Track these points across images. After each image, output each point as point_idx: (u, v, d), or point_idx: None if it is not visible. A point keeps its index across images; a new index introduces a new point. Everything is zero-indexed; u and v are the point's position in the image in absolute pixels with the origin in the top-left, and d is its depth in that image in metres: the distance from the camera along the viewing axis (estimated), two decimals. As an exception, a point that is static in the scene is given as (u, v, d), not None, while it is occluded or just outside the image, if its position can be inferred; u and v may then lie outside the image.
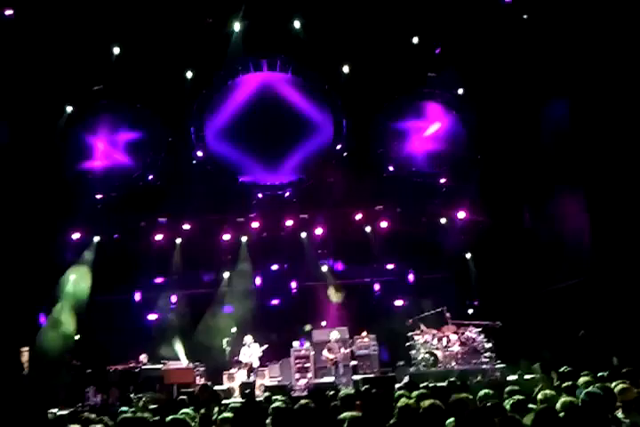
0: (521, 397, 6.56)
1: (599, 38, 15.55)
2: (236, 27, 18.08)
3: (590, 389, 5.95)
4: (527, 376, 13.33)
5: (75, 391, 15.08)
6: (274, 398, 8.81)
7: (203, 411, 6.94)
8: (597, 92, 15.87)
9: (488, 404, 5.81)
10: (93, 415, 7.89)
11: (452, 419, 5.53)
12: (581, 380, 8.21)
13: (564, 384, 7.73)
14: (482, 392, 7.31)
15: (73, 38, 16.63)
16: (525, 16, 17.23)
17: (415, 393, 7.45)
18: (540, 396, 6.75)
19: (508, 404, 6.39)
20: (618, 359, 13.65)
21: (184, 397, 11.37)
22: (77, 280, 18.00)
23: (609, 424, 5.54)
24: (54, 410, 12.96)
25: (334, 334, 16.47)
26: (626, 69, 15.30)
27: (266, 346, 16.53)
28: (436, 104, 20.03)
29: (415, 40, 18.55)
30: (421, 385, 10.38)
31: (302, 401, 6.29)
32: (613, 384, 6.92)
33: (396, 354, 17.23)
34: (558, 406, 5.79)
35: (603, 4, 15.36)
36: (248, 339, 16.49)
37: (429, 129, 19.85)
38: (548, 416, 5.35)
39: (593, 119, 16.08)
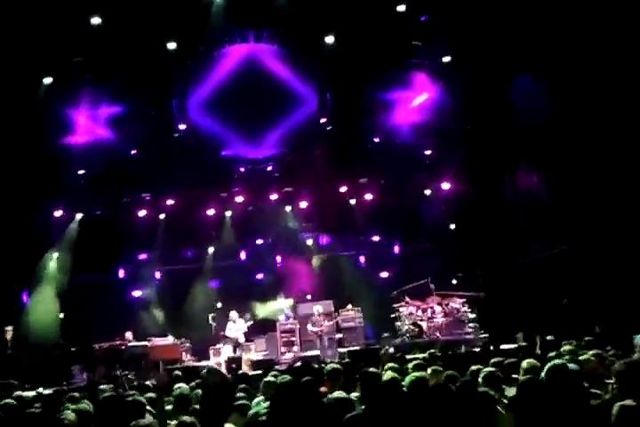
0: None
1: (587, 13, 15.31)
2: (217, -5, 17.64)
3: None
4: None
5: (60, 370, 15.06)
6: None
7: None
8: (577, 68, 15.74)
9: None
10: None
11: None
12: (564, 348, 8.27)
13: (549, 354, 7.74)
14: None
15: (51, 7, 16.20)
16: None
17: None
18: (524, 365, 6.73)
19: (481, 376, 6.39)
20: (600, 328, 13.80)
21: (178, 373, 11.44)
22: (60, 258, 17.89)
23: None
24: (39, 389, 13.01)
25: (317, 308, 16.55)
26: (609, 44, 15.10)
27: (251, 322, 16.58)
28: (423, 74, 19.74)
29: (401, 8, 18.19)
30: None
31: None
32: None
33: (381, 326, 17.30)
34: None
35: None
36: (233, 314, 16.53)
37: (416, 100, 19.61)
38: (532, 387, 5.33)
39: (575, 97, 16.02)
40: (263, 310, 18.03)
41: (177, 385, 8.07)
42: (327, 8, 17.43)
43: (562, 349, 8.24)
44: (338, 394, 5.52)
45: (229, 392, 4.94)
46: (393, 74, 19.34)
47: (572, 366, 5.77)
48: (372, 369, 6.44)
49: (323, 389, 6.87)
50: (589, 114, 15.75)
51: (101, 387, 8.90)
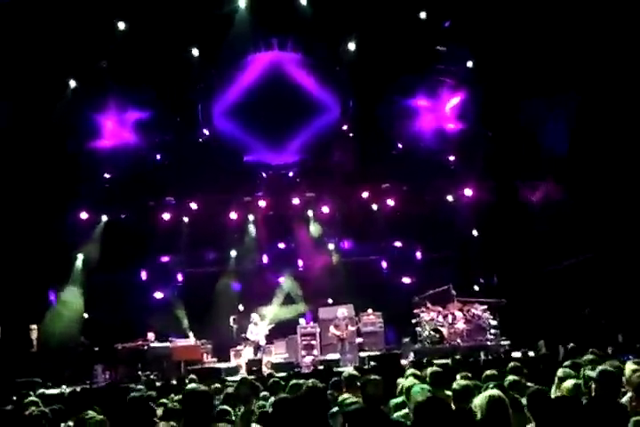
0: (517, 377, 6.55)
1: (606, 25, 15.30)
2: (242, 2, 17.86)
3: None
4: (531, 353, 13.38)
5: (83, 369, 15.27)
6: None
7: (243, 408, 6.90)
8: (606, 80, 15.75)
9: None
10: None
11: None
12: (585, 358, 8.21)
13: (565, 362, 7.71)
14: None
15: (77, 13, 16.48)
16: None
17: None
18: (559, 373, 6.68)
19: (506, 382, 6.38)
20: (623, 336, 13.69)
21: (193, 376, 11.58)
22: (85, 259, 18.17)
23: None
24: (63, 387, 13.22)
25: (342, 311, 16.50)
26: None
27: (272, 325, 16.66)
28: (446, 80, 19.78)
29: (423, 15, 18.27)
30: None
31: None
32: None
33: (401, 331, 17.29)
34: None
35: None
36: (255, 317, 16.62)
37: (450, 103, 19.62)
38: (540, 398, 5.32)
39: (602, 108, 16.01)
40: (283, 312, 18.11)
41: (189, 386, 8.21)
42: (349, 15, 17.58)
43: (583, 358, 8.20)
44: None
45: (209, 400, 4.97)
46: (416, 80, 19.42)
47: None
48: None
49: (345, 395, 6.91)
50: (613, 124, 15.72)
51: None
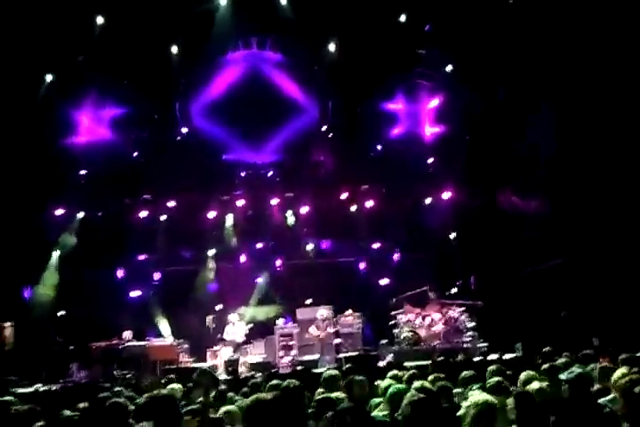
0: (500, 378, 6.60)
1: (585, 28, 15.53)
2: (222, 1, 17.78)
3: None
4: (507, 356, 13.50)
5: (58, 367, 15.05)
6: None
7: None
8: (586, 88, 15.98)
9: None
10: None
11: None
12: (560, 361, 8.32)
13: (543, 366, 7.80)
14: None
15: (55, 6, 16.25)
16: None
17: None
18: (522, 377, 6.80)
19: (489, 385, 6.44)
20: (599, 340, 13.88)
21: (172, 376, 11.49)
22: (61, 256, 17.94)
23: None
24: (37, 385, 13.02)
25: (322, 312, 16.49)
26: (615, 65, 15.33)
27: (250, 325, 16.59)
28: (427, 83, 19.90)
29: (402, 18, 18.36)
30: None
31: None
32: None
33: (379, 333, 17.33)
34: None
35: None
36: (233, 317, 16.54)
37: (428, 105, 19.68)
38: (527, 399, 5.39)
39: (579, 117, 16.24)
40: (261, 313, 18.08)
41: (170, 386, 8.13)
42: (330, 16, 17.61)
43: (557, 361, 8.30)
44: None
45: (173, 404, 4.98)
46: (395, 82, 19.55)
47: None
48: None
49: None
50: (591, 131, 15.97)
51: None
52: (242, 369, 14.90)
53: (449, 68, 19.16)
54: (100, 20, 17.17)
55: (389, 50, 18.53)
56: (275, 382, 7.17)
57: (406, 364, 12.18)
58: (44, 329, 16.57)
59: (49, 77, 17.75)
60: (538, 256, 17.31)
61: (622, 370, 6.07)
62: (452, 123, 19.40)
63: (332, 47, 18.69)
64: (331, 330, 16.32)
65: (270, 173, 19.98)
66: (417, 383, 6.27)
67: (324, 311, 16.54)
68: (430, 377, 7.37)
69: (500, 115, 18.39)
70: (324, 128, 19.80)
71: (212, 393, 7.43)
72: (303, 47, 19.15)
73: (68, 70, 17.95)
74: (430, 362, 10.87)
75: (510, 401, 5.49)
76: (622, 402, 5.33)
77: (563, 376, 5.86)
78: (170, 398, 5.01)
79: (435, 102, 19.65)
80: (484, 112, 18.65)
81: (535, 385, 6.06)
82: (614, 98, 15.53)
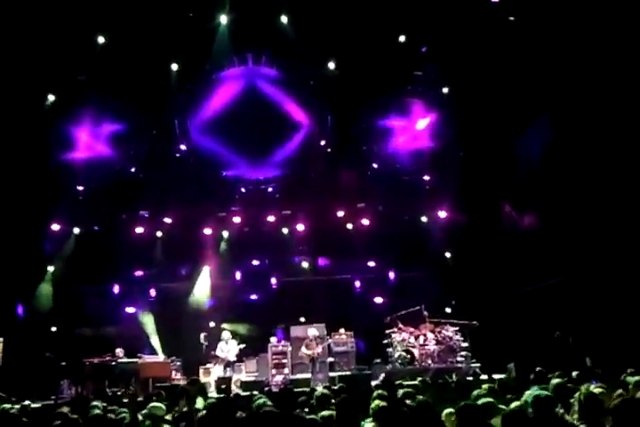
0: (490, 399, 6.59)
1: (585, 47, 15.64)
2: (223, 19, 17.97)
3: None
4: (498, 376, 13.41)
5: (48, 384, 14.99)
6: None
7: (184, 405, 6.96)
8: (579, 105, 16.06)
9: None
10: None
11: None
12: (553, 382, 8.27)
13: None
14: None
15: (56, 26, 16.45)
16: (512, 18, 17.24)
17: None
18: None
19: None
20: (591, 360, 13.82)
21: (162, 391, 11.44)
22: (56, 272, 17.94)
23: None
24: (26, 402, 12.93)
25: (312, 331, 16.46)
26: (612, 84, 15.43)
27: (243, 345, 16.53)
28: (422, 102, 19.98)
29: (402, 38, 18.53)
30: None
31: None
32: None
33: (373, 352, 17.27)
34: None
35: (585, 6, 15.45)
36: (226, 335, 16.52)
37: (419, 123, 19.77)
38: (516, 419, 5.39)
39: (575, 135, 16.30)
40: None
41: (151, 404, 8.11)
42: (330, 35, 17.76)
43: (551, 382, 8.25)
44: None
45: None
46: (392, 100, 19.61)
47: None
48: None
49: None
50: (586, 149, 16.02)
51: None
52: (234, 387, 14.82)
53: (445, 89, 19.30)
54: (100, 39, 17.37)
55: (386, 69, 18.66)
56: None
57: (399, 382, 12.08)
58: (36, 345, 16.51)
59: (51, 97, 17.88)
60: (533, 276, 17.28)
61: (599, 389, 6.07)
62: (447, 141, 19.42)
63: (331, 65, 18.82)
64: (319, 349, 16.21)
65: (271, 189, 19.98)
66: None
67: (314, 330, 16.50)
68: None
69: (494, 132, 18.46)
70: (323, 143, 19.83)
71: (201, 402, 7.46)
72: (299, 63, 19.24)
73: (68, 88, 18.10)
74: (420, 380, 10.78)
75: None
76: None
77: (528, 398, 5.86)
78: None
79: (425, 122, 19.67)
80: (478, 130, 18.69)
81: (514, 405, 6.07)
82: (608, 114, 15.60)
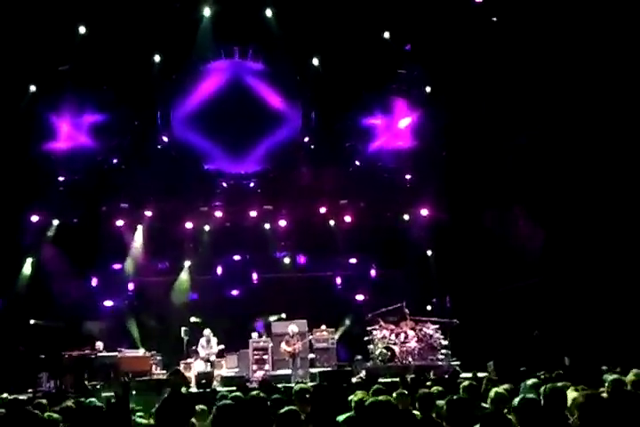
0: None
1: (568, 45, 15.79)
2: (206, 11, 17.81)
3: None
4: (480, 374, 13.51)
5: (26, 377, 14.83)
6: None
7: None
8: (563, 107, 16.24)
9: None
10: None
11: None
12: (529, 382, 8.33)
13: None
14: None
15: (37, 16, 16.20)
16: (494, 19, 17.35)
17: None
18: (491, 394, 6.82)
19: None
20: (570, 360, 13.99)
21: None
22: (34, 264, 17.73)
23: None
24: (4, 395, 12.82)
25: (292, 327, 16.44)
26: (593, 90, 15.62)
27: (222, 346, 16.47)
28: (405, 100, 20.02)
29: (386, 35, 18.55)
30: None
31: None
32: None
33: (354, 348, 17.32)
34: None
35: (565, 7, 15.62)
36: (207, 332, 16.46)
37: (401, 122, 19.81)
38: (497, 418, 5.42)
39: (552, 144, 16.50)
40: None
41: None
42: (315, 30, 17.73)
43: (527, 382, 8.33)
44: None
45: None
46: (376, 98, 19.64)
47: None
48: None
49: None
50: (568, 153, 16.23)
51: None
52: (215, 383, 14.77)
53: (428, 88, 19.36)
54: (82, 29, 17.15)
55: (370, 66, 18.68)
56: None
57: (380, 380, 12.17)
58: (12, 338, 16.33)
59: (32, 88, 17.64)
60: (514, 275, 17.44)
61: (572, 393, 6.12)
62: (429, 139, 19.49)
63: (315, 61, 18.79)
64: (302, 343, 16.20)
65: (252, 184, 19.89)
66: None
67: (294, 326, 16.46)
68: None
69: (479, 132, 18.57)
70: (307, 139, 19.79)
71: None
72: (285, 58, 19.19)
73: (49, 78, 17.85)
74: (399, 379, 10.84)
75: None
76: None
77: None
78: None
79: (406, 121, 19.71)
80: (461, 129, 18.79)
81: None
82: (597, 118, 15.81)
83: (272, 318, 17.98)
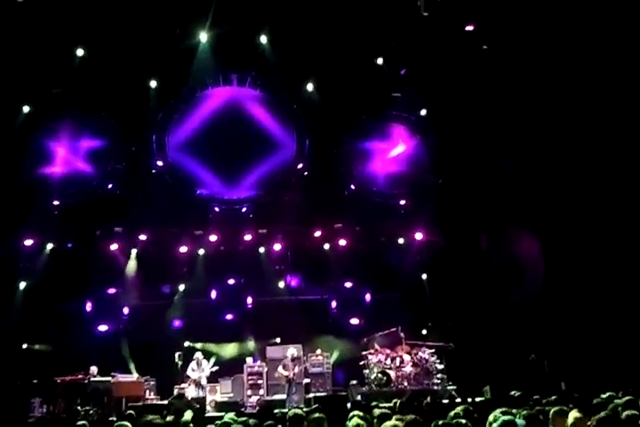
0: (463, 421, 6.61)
1: (556, 74, 16.06)
2: (203, 38, 18.03)
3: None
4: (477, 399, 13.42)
5: (17, 403, 14.64)
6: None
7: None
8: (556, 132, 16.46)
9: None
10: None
11: None
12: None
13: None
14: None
15: (35, 38, 16.36)
16: (485, 47, 17.63)
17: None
18: (490, 418, 6.79)
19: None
20: (566, 384, 13.94)
21: (131, 411, 11.27)
22: (27, 287, 17.62)
23: None
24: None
25: (291, 351, 16.36)
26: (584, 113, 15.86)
27: (217, 367, 16.36)
28: (400, 126, 20.18)
29: (380, 61, 18.79)
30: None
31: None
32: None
33: (349, 373, 17.20)
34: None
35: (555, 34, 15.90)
36: (197, 355, 16.35)
37: (393, 151, 19.97)
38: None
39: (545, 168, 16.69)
40: (230, 351, 17.88)
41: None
42: (309, 56, 17.96)
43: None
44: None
45: None
46: (371, 124, 19.82)
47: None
48: None
49: None
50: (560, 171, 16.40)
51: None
52: (208, 408, 14.63)
53: (423, 111, 19.55)
54: (80, 52, 17.32)
55: (365, 91, 18.88)
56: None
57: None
58: (5, 363, 16.16)
59: (26, 108, 17.73)
60: (507, 300, 17.44)
61: (575, 414, 6.10)
62: (425, 166, 19.62)
63: (310, 87, 18.98)
64: (299, 369, 16.10)
65: (244, 209, 19.91)
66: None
67: (293, 350, 16.40)
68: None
69: (469, 158, 18.74)
70: (300, 166, 19.89)
71: (189, 415, 7.50)
72: (282, 85, 19.39)
73: (45, 101, 17.96)
74: (393, 403, 10.73)
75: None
76: None
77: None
78: None
79: (400, 149, 19.85)
80: (453, 154, 18.94)
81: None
82: (589, 138, 16.04)
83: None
